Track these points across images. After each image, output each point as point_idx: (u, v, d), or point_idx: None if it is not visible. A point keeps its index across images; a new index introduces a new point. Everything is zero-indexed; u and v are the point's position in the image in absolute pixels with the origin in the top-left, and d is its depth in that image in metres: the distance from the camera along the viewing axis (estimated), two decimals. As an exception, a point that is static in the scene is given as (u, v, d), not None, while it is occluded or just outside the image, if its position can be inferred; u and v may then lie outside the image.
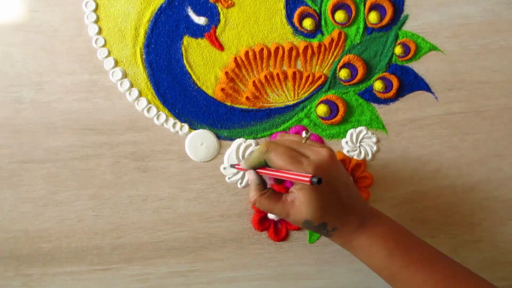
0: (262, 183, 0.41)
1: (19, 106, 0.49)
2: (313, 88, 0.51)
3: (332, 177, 0.38)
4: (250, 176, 0.41)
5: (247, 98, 0.50)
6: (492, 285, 0.38)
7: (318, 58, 0.51)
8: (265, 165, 0.40)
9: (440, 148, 0.51)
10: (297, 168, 0.37)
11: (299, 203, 0.38)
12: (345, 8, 0.51)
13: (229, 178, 0.50)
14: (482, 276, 0.41)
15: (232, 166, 0.47)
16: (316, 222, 0.38)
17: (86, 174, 0.49)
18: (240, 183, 0.50)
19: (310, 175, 0.34)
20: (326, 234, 0.40)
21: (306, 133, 0.41)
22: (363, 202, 0.41)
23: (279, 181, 0.47)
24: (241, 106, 0.50)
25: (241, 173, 0.50)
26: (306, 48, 0.50)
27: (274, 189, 0.41)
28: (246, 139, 0.50)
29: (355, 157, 0.50)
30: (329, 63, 0.51)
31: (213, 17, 0.51)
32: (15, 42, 0.50)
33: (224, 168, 0.49)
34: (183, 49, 0.50)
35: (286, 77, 0.51)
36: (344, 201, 0.39)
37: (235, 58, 0.50)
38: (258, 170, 0.41)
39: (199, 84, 0.50)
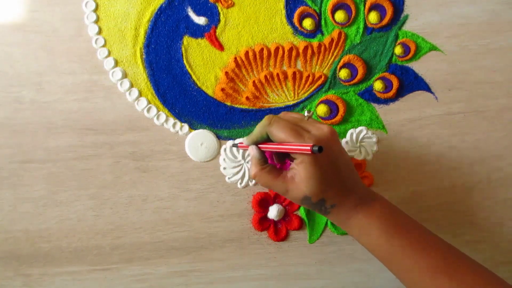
0: (263, 158, 0.41)
1: (19, 106, 0.49)
2: (313, 88, 0.51)
3: (333, 152, 0.38)
4: (251, 151, 0.41)
5: (247, 98, 0.50)
6: (486, 269, 0.38)
7: (318, 58, 0.51)
8: (267, 140, 0.41)
9: (440, 148, 0.51)
10: (298, 141, 0.37)
11: (299, 178, 0.38)
12: (345, 8, 0.51)
13: (229, 178, 0.50)
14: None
15: (235, 145, 0.47)
16: (315, 198, 0.38)
17: (86, 174, 0.49)
18: (240, 183, 0.50)
19: (311, 144, 0.34)
20: (325, 212, 0.40)
21: (308, 112, 0.41)
22: (362, 183, 0.41)
23: (280, 159, 0.46)
24: (241, 106, 0.50)
25: (241, 173, 0.50)
26: (306, 48, 0.50)
27: (274, 165, 0.41)
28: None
29: (355, 157, 0.50)
30: (329, 63, 0.51)
31: (213, 17, 0.51)
32: (15, 42, 0.50)
33: (233, 146, 0.49)
34: (183, 49, 0.50)
35: (286, 77, 0.51)
36: (344, 179, 0.39)
37: (235, 58, 0.50)
38: (259, 146, 0.41)
39: (199, 84, 0.50)
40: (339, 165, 0.39)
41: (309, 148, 0.34)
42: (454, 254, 0.38)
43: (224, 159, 0.50)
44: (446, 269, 0.37)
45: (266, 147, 0.41)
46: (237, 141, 0.50)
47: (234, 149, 0.50)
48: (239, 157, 0.50)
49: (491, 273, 0.38)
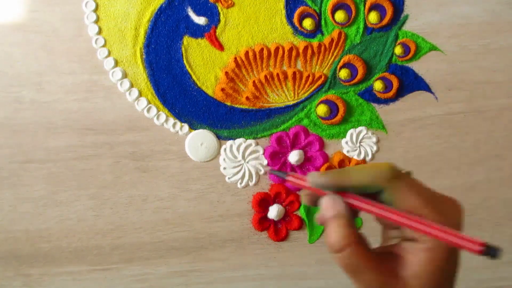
0: (352, 220, 0.25)
1: (19, 106, 0.49)
2: (313, 88, 0.51)
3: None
4: (331, 203, 0.25)
5: (247, 98, 0.50)
6: None
7: (318, 58, 0.51)
8: (346, 189, 0.26)
9: (440, 148, 0.51)
10: (438, 218, 0.24)
11: (412, 273, 0.24)
12: (345, 8, 0.51)
13: (229, 178, 0.50)
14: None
15: (279, 173, 0.29)
16: None
17: (86, 174, 0.49)
18: (240, 183, 0.50)
19: (480, 241, 0.22)
20: None
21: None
22: None
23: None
24: (241, 106, 0.50)
25: (241, 172, 0.50)
26: (306, 48, 0.50)
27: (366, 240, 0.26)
28: (246, 139, 0.50)
29: (355, 157, 0.50)
30: (329, 63, 0.51)
31: (213, 17, 0.51)
32: (15, 42, 0.50)
33: (262, 170, 0.41)
34: (183, 49, 0.50)
35: (286, 77, 0.51)
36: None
37: (235, 58, 0.50)
38: (347, 197, 0.26)
39: (199, 84, 0.50)
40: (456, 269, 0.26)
41: (478, 247, 0.22)
42: None
43: (224, 159, 0.50)
44: None
45: (379, 210, 0.25)
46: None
47: (235, 148, 0.50)
48: (239, 157, 0.50)
49: None
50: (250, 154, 0.50)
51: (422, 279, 0.23)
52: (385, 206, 0.25)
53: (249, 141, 0.50)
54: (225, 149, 0.50)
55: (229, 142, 0.50)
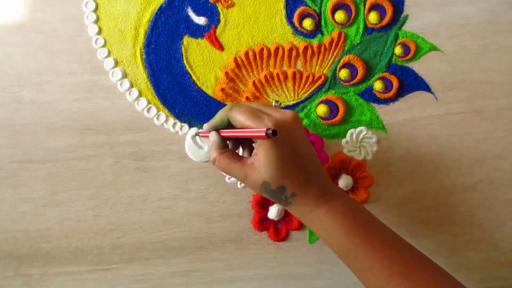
0: (223, 143, 0.40)
1: (19, 106, 0.49)
2: (313, 88, 0.51)
3: (294, 138, 0.37)
4: (211, 136, 0.40)
5: (247, 98, 0.50)
6: (445, 272, 0.37)
7: (318, 58, 0.51)
8: (228, 127, 0.39)
9: (440, 148, 0.51)
10: (257, 124, 0.35)
11: (258, 163, 0.36)
12: (345, 8, 0.51)
13: (229, 178, 0.50)
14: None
15: (196, 134, 0.46)
16: (274, 185, 0.36)
17: (86, 174, 0.49)
18: (240, 183, 0.50)
19: (264, 130, 0.33)
20: (285, 202, 0.38)
21: (276, 102, 0.40)
22: (325, 175, 0.39)
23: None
24: (241, 106, 0.50)
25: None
26: (306, 48, 0.50)
27: (234, 151, 0.40)
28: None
29: (355, 157, 0.50)
30: (329, 63, 0.51)
31: (213, 17, 0.51)
32: (15, 42, 0.50)
33: (196, 135, 0.47)
34: (183, 49, 0.50)
35: (286, 77, 0.51)
36: (305, 167, 0.37)
37: (235, 58, 0.50)
38: (221, 132, 0.40)
39: (199, 84, 0.50)
40: (300, 152, 0.37)
41: (264, 131, 0.33)
42: (414, 257, 0.38)
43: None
44: (404, 272, 0.36)
45: (226, 132, 0.39)
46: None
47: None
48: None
49: (450, 277, 0.37)
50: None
51: (264, 162, 0.36)
52: (231, 129, 0.39)
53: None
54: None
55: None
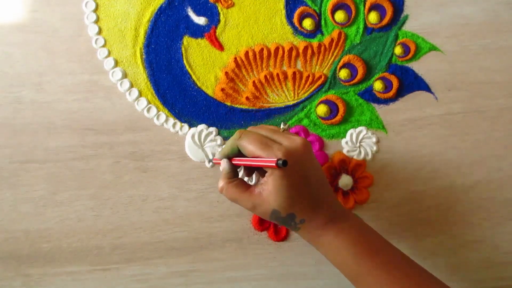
0: (232, 171, 0.40)
1: (19, 106, 0.49)
2: (313, 88, 0.51)
3: (303, 165, 0.37)
4: (222, 164, 0.40)
5: (247, 98, 0.50)
6: None
7: (318, 58, 0.51)
8: (239, 154, 0.40)
9: (440, 148, 0.51)
10: (267, 154, 0.36)
11: (267, 192, 0.37)
12: (345, 8, 0.51)
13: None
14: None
15: (210, 161, 0.48)
16: (283, 213, 0.37)
17: (86, 174, 0.49)
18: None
19: (275, 159, 0.34)
20: (294, 227, 0.38)
21: (284, 124, 0.40)
22: (334, 199, 0.40)
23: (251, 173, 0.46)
24: (241, 106, 0.50)
25: (240, 173, 0.50)
26: (306, 48, 0.50)
27: (243, 180, 0.40)
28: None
29: (355, 157, 0.50)
30: (329, 63, 0.51)
31: (213, 17, 0.51)
32: (15, 42, 0.50)
33: (210, 162, 0.49)
34: (183, 49, 0.50)
35: (286, 77, 0.51)
36: (314, 193, 0.38)
37: (235, 58, 0.50)
38: (232, 160, 0.40)
39: (199, 84, 0.50)
40: (309, 180, 0.37)
41: (274, 161, 0.34)
42: (422, 278, 0.38)
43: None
44: None
45: (237, 160, 0.40)
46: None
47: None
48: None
49: None
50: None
51: (274, 191, 0.36)
52: (243, 158, 0.39)
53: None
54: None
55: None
